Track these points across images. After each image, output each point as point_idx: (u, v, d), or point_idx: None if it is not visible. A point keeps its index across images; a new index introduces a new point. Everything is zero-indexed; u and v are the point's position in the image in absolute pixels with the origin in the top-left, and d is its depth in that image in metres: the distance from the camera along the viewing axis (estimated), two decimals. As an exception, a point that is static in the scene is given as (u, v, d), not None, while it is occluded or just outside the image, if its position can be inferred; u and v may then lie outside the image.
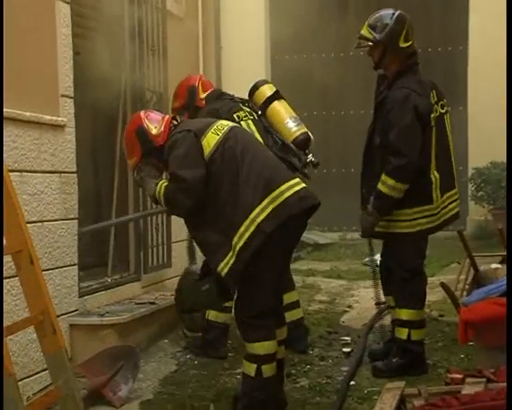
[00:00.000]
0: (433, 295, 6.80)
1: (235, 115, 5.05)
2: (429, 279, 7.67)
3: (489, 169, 9.80)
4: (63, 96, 4.93)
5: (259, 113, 5.14)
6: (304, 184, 3.97)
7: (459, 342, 4.34)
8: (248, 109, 5.18)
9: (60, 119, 4.88)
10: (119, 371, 4.51)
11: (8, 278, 4.19)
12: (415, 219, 4.61)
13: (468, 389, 3.53)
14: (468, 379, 3.69)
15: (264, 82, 5.35)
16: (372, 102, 4.85)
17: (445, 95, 4.78)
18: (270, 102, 5.13)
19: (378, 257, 9.12)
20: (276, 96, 5.17)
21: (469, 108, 10.75)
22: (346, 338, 5.60)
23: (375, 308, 6.44)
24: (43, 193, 4.67)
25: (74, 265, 5.02)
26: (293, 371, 4.80)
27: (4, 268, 4.16)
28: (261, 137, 4.96)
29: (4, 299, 4.20)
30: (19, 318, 4.13)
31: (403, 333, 4.68)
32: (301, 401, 4.34)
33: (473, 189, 10.06)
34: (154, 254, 6.38)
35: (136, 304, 5.63)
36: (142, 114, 4.20)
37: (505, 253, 5.86)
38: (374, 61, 4.71)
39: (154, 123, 4.08)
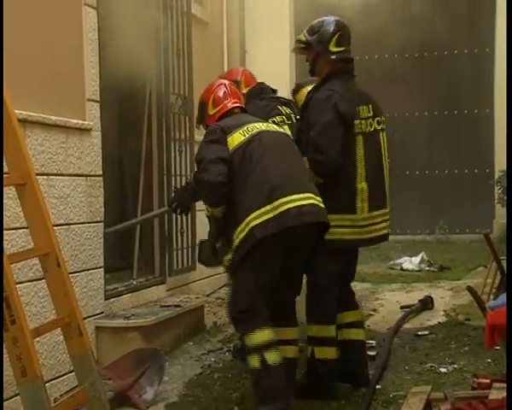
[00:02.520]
0: (460, 298, 6.76)
1: (270, 121, 4.87)
2: (455, 283, 7.73)
3: (516, 172, 9.69)
4: (89, 100, 4.97)
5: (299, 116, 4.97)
6: (314, 201, 4.06)
7: (486, 346, 4.28)
8: (288, 111, 5.04)
9: (86, 122, 4.92)
10: (145, 374, 4.53)
11: (36, 280, 4.23)
12: (333, 227, 4.26)
13: (495, 394, 3.50)
14: (496, 384, 3.65)
15: (309, 82, 5.08)
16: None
17: (383, 112, 4.58)
18: None
19: (402, 260, 9.13)
20: None
21: (496, 110, 10.67)
22: (371, 342, 5.55)
23: (401, 312, 6.44)
24: (69, 196, 4.71)
25: (100, 267, 5.05)
26: (318, 375, 4.79)
27: (32, 270, 4.22)
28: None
29: (31, 301, 4.25)
30: (46, 320, 4.17)
31: (307, 350, 4.44)
32: (326, 404, 4.32)
33: (499, 191, 9.97)
34: (178, 257, 6.40)
35: (162, 307, 5.66)
36: (219, 83, 4.56)
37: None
38: (309, 66, 4.66)
39: (219, 102, 4.44)
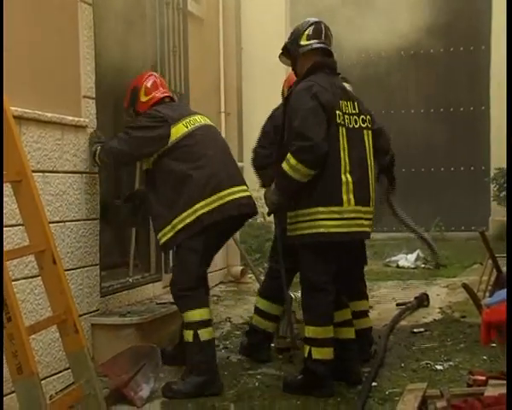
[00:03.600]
0: (455, 296, 6.78)
1: None
2: (451, 280, 7.75)
3: (512, 169, 9.72)
4: (85, 97, 4.96)
5: None
6: (248, 193, 4.68)
7: (482, 343, 4.28)
8: None
9: (82, 119, 4.91)
10: (141, 371, 4.52)
11: (31, 277, 4.23)
12: (318, 220, 4.29)
13: (490, 391, 3.50)
14: (491, 381, 3.66)
15: None
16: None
17: (369, 112, 4.53)
18: None
19: (398, 258, 9.15)
20: None
21: (492, 107, 10.70)
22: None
23: (396, 309, 6.44)
24: (65, 193, 4.70)
25: (96, 265, 5.05)
26: (314, 372, 4.79)
27: (27, 268, 4.21)
28: None
29: (27, 298, 4.24)
30: (41, 317, 4.16)
31: (304, 350, 4.44)
32: (322, 401, 4.33)
33: (495, 189, 9.99)
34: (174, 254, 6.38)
35: (158, 304, 5.65)
36: (150, 74, 5.04)
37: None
38: (292, 70, 4.72)
39: (150, 91, 4.87)
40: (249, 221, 9.41)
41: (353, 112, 4.45)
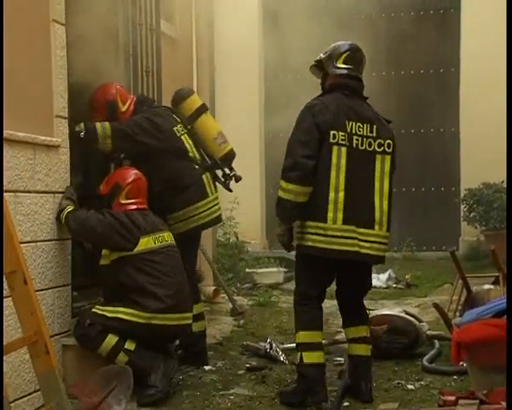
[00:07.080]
0: (426, 315, 6.83)
1: (175, 129, 5.38)
2: (422, 300, 7.81)
3: (481, 190, 9.88)
4: (57, 116, 4.94)
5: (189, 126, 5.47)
6: (189, 322, 4.98)
7: (452, 362, 4.34)
8: (179, 120, 5.48)
9: (54, 139, 4.89)
10: (112, 393, 4.49)
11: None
12: (307, 233, 4.43)
13: (460, 411, 3.54)
14: (461, 401, 3.69)
15: (191, 92, 5.67)
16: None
17: (390, 137, 4.58)
18: (199, 115, 5.48)
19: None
20: (203, 108, 5.52)
21: (461, 129, 10.85)
22: (340, 359, 5.59)
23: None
24: (36, 213, 4.67)
25: (68, 285, 5.01)
26: (287, 392, 4.79)
27: (-2, 288, 4.16)
28: (196, 151, 5.41)
29: (-3, 319, 4.19)
30: (11, 338, 4.11)
31: (297, 356, 4.62)
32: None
33: (465, 210, 10.12)
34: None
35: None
36: (138, 178, 5.07)
37: (497, 274, 5.90)
38: (321, 85, 4.81)
39: (131, 197, 5.00)
40: (222, 241, 9.52)
41: (368, 134, 4.50)
